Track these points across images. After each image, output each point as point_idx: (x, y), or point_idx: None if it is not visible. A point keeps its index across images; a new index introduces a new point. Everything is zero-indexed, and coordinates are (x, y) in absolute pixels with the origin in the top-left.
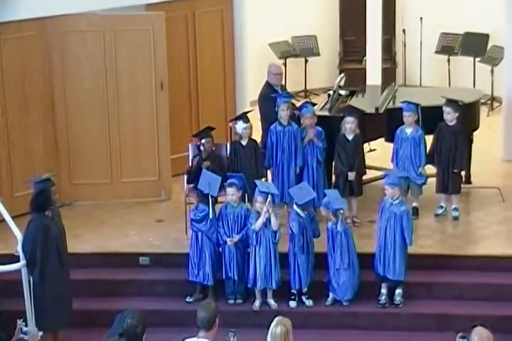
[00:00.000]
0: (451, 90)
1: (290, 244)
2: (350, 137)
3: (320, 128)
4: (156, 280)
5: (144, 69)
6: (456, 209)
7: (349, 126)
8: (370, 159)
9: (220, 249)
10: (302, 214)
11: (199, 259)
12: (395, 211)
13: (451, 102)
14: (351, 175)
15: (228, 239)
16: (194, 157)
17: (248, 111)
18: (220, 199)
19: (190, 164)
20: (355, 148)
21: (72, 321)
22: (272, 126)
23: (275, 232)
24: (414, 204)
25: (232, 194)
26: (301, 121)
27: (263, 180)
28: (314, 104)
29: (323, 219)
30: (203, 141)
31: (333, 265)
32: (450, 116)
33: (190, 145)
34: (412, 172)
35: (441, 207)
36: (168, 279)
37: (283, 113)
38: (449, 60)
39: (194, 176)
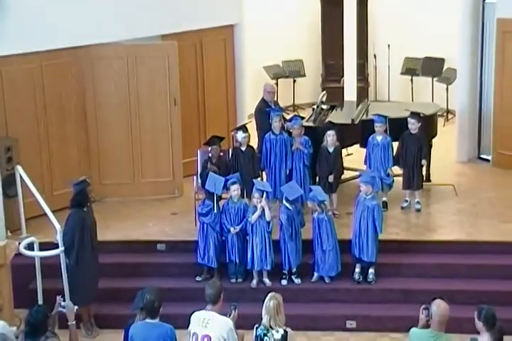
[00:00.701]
0: (414, 104)
1: (280, 233)
2: (331, 149)
3: (306, 138)
4: (171, 263)
5: (160, 89)
6: (418, 202)
7: (330, 139)
8: (347, 162)
9: (223, 238)
10: (290, 208)
11: (205, 246)
12: (368, 204)
13: (414, 114)
14: (331, 178)
15: (232, 228)
16: (205, 161)
17: (247, 123)
18: (224, 195)
19: (201, 167)
20: (335, 158)
21: (102, 297)
22: (266, 135)
23: (269, 223)
24: (384, 198)
25: (235, 189)
26: (291, 131)
27: (259, 179)
28: (303, 118)
29: (308, 212)
30: (210, 148)
31: (319, 248)
32: (414, 126)
33: (198, 151)
34: (382, 172)
35: (406, 200)
36: (181, 262)
37: (275, 124)
38: (412, 80)
39: (204, 177)
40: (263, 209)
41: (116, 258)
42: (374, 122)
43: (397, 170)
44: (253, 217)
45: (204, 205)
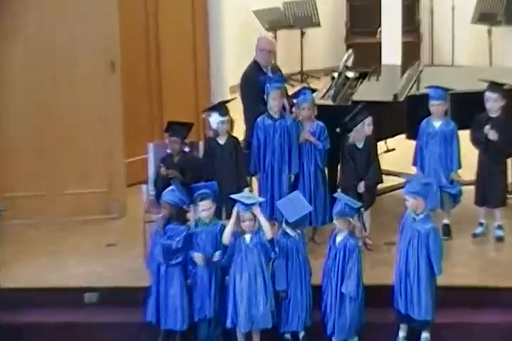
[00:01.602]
0: (493, 71)
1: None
2: (360, 144)
3: (321, 124)
4: (106, 323)
5: (88, 46)
6: (500, 227)
7: (363, 130)
8: (386, 162)
9: (189, 281)
10: (292, 234)
11: (166, 296)
12: (419, 229)
13: (495, 86)
14: (361, 187)
15: (196, 255)
16: (162, 161)
17: (227, 101)
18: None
19: (156, 170)
20: (368, 157)
21: None
22: (258, 120)
23: (272, 243)
24: (446, 220)
25: (206, 208)
26: (297, 114)
27: (246, 190)
28: (314, 91)
29: (323, 242)
30: (169, 140)
31: (332, 291)
32: (495, 105)
33: (151, 146)
34: (443, 178)
35: (481, 224)
36: (122, 322)
37: (274, 102)
38: (489, 32)
39: (161, 186)
40: (259, 225)
41: (17, 317)
42: (429, 99)
43: (467, 174)
44: (225, 234)
45: (170, 230)
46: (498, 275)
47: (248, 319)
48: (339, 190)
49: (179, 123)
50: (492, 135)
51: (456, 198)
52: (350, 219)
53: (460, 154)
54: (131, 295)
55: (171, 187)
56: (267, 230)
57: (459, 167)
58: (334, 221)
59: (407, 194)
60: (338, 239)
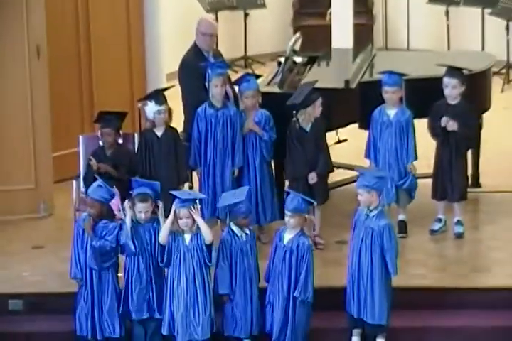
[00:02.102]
0: (451, 55)
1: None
2: (307, 126)
3: (266, 112)
4: (34, 332)
5: (10, 30)
6: (459, 222)
7: (311, 111)
8: (338, 154)
9: (120, 275)
10: (239, 233)
11: (97, 301)
12: (372, 226)
13: (454, 71)
14: (312, 177)
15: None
16: (93, 155)
17: (164, 89)
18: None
19: (86, 165)
20: (318, 142)
21: None
22: (199, 110)
23: (209, 247)
24: (401, 216)
25: (144, 211)
26: (240, 102)
27: (186, 186)
28: (258, 77)
29: (269, 241)
30: (101, 131)
31: (280, 295)
32: (454, 92)
33: (80, 138)
34: (396, 170)
35: (440, 220)
36: (51, 331)
37: (216, 90)
38: (447, 13)
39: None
40: (197, 227)
41: None
42: (383, 85)
43: (423, 166)
44: (162, 233)
45: (100, 229)
46: (457, 275)
47: (186, 329)
48: (287, 182)
49: (111, 113)
50: (451, 126)
51: (411, 192)
52: (306, 215)
53: (416, 145)
54: (60, 301)
55: (96, 183)
56: (206, 233)
57: (415, 158)
58: (287, 218)
59: (361, 188)
60: (287, 237)
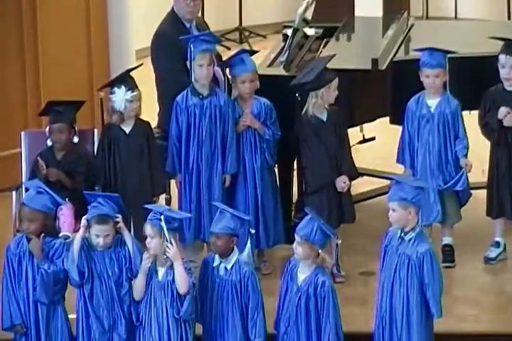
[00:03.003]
0: (508, 26)
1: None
2: (323, 116)
3: (267, 102)
4: None
5: None
6: None
7: (326, 97)
8: (362, 157)
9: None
10: (217, 262)
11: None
12: (408, 252)
13: (509, 45)
14: (342, 182)
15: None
16: (39, 158)
17: (134, 68)
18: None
19: (31, 170)
20: (338, 135)
21: None
22: (178, 99)
23: (183, 297)
24: (447, 240)
25: (102, 235)
26: (233, 88)
27: (162, 198)
28: (254, 53)
29: (271, 273)
30: (50, 127)
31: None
32: (505, 71)
33: (23, 135)
34: (442, 178)
35: (497, 244)
36: None
37: (201, 71)
38: None
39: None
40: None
41: None
42: (421, 67)
43: (474, 173)
44: (135, 287)
45: (49, 248)
46: None
47: None
48: (307, 196)
49: (63, 103)
50: (510, 120)
51: (464, 198)
52: (319, 250)
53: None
54: None
55: (34, 189)
56: (180, 283)
57: (467, 149)
58: (295, 244)
59: (395, 202)
60: (301, 276)
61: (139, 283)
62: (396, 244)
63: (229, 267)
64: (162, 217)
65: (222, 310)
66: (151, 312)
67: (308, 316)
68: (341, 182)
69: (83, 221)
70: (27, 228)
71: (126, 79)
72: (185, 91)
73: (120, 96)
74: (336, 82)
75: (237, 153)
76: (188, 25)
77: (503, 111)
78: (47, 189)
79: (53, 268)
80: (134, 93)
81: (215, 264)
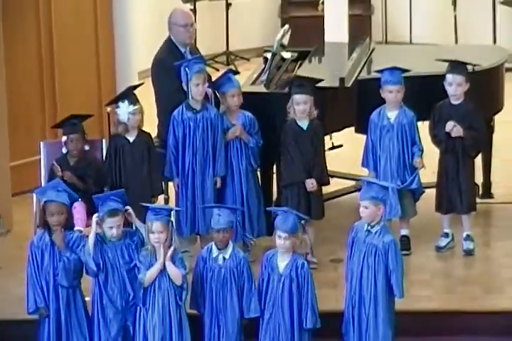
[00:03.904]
0: (457, 49)
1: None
2: (304, 124)
3: (251, 115)
4: None
5: None
6: (469, 237)
7: (301, 108)
8: (332, 162)
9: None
10: (216, 253)
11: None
12: (375, 242)
13: (458, 66)
14: (310, 183)
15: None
16: (56, 164)
17: (137, 86)
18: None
19: (49, 174)
20: (314, 142)
21: None
22: (175, 113)
23: (180, 287)
24: (404, 231)
25: (115, 225)
26: (222, 103)
27: (161, 198)
28: (236, 73)
29: (254, 261)
30: (67, 137)
31: (283, 326)
32: (458, 90)
33: (42, 145)
34: (401, 176)
35: (446, 234)
36: None
37: (197, 89)
38: (454, 2)
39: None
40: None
41: None
42: (383, 84)
43: (427, 175)
44: (148, 275)
45: (69, 239)
46: (466, 297)
47: None
48: (283, 190)
49: (77, 116)
50: (456, 132)
51: (416, 196)
52: (299, 234)
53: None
54: (20, 330)
55: (53, 187)
56: (174, 277)
57: (422, 152)
58: (282, 241)
59: (367, 200)
60: (281, 264)
61: (153, 273)
62: (363, 235)
63: (227, 256)
64: (171, 213)
65: (222, 294)
66: (155, 298)
67: (291, 297)
68: (309, 184)
69: (95, 219)
70: (56, 220)
71: (129, 95)
72: (181, 107)
73: (124, 110)
74: (300, 96)
75: (225, 159)
76: (183, 51)
77: (449, 124)
78: (65, 187)
79: (74, 256)
80: (136, 106)
81: (214, 255)
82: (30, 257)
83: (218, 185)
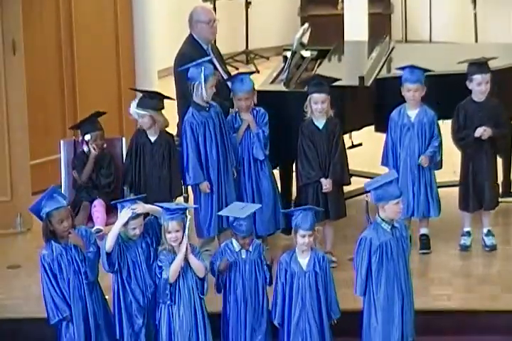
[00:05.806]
0: (478, 48)
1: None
2: (320, 124)
3: (262, 110)
4: None
5: None
6: (490, 232)
7: (318, 107)
8: (351, 160)
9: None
10: (237, 248)
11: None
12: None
13: (481, 66)
14: (326, 184)
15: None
16: (77, 161)
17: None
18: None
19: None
20: (332, 141)
21: None
22: (190, 118)
23: (202, 280)
24: (423, 230)
25: (137, 226)
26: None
27: (181, 197)
28: (252, 73)
29: (275, 258)
30: (87, 137)
31: (311, 324)
32: (481, 88)
33: (62, 143)
34: (421, 174)
35: (468, 233)
36: None
37: (211, 91)
38: (474, 1)
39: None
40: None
41: None
42: (403, 82)
43: (448, 173)
44: (172, 270)
45: (80, 235)
46: (486, 297)
47: None
48: (301, 189)
49: (93, 115)
50: (486, 135)
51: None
52: (316, 229)
53: (442, 150)
54: (41, 328)
55: (43, 195)
56: (198, 270)
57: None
58: (303, 239)
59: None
60: (303, 262)
61: (177, 267)
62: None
63: (251, 249)
64: (187, 212)
65: (249, 285)
66: (180, 293)
67: (318, 292)
68: (324, 185)
69: (122, 221)
70: (67, 225)
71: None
72: (191, 111)
73: (133, 110)
74: (319, 95)
75: (232, 156)
76: (205, 47)
77: (479, 131)
78: (58, 191)
79: (94, 248)
80: (143, 112)
81: (236, 250)
82: (44, 271)
83: (235, 175)
